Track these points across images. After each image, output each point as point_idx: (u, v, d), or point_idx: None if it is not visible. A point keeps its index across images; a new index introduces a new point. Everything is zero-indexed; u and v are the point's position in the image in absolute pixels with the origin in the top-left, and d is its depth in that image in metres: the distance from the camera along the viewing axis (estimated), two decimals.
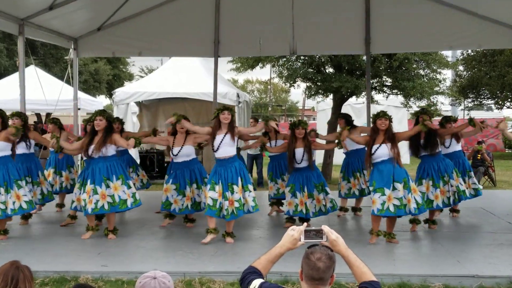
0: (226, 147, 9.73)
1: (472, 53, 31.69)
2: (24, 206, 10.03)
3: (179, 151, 10.65)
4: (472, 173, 11.77)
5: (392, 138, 9.61)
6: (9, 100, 17.40)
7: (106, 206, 9.85)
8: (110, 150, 10.02)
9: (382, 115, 9.79)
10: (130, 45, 14.69)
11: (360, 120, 19.76)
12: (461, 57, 32.19)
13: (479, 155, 18.49)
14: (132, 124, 19.17)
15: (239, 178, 9.66)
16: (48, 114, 27.05)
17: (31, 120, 22.76)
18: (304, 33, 13.52)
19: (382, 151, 9.52)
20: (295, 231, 3.78)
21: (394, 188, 9.38)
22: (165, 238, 10.34)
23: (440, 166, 10.59)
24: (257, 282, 3.68)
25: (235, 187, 9.57)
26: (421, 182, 10.70)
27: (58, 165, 12.16)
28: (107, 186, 9.85)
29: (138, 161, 18.29)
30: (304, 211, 10.60)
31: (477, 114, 43.94)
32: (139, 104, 20.93)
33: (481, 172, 18.24)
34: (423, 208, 9.81)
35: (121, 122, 12.35)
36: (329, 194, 10.90)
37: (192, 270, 7.95)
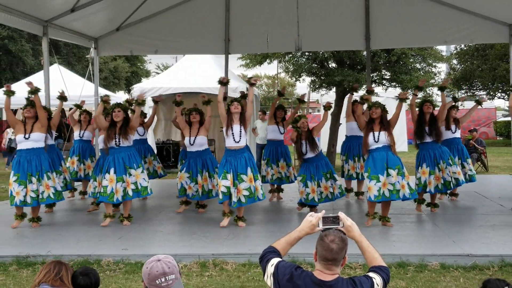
0: (238, 137, 9.70)
1: (465, 48, 31.59)
2: (52, 196, 10.00)
3: (194, 140, 10.64)
4: (469, 160, 11.69)
5: (387, 126, 9.55)
6: None
7: (130, 193, 9.86)
8: (131, 139, 10.05)
9: (372, 105, 9.74)
10: (147, 44, 14.69)
11: None
12: (454, 51, 32.14)
13: (471, 143, 18.44)
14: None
15: (249, 168, 9.62)
16: (71, 109, 27.18)
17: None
18: (309, 30, 13.49)
19: (378, 139, 9.46)
20: (314, 217, 3.77)
21: (388, 174, 9.30)
22: (181, 223, 10.34)
23: (436, 154, 10.50)
24: (275, 260, 3.69)
25: (244, 176, 9.51)
26: (419, 169, 10.66)
27: (82, 153, 12.15)
28: (130, 174, 9.86)
29: (155, 152, 18.39)
30: (316, 198, 10.57)
31: (470, 105, 43.85)
32: None
33: (474, 158, 18.18)
34: (415, 194, 9.74)
35: (144, 115, 12.39)
36: (337, 181, 10.86)
37: (206, 252, 7.97)
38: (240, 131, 9.68)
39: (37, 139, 9.93)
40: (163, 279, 3.49)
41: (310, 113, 51.03)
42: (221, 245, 8.42)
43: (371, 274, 3.64)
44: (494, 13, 12.96)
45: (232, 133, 9.67)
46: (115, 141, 9.87)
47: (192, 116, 10.72)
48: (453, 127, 11.38)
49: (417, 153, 10.89)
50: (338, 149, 17.70)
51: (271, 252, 3.80)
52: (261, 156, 16.45)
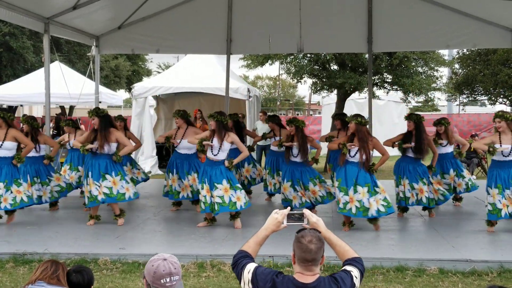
0: (216, 151, 9.65)
1: (467, 52, 31.52)
2: (25, 199, 10.01)
3: (179, 143, 10.75)
4: (465, 171, 11.68)
5: (365, 142, 9.36)
6: (35, 93, 17.49)
7: (103, 197, 9.79)
8: (113, 148, 9.99)
9: (350, 118, 9.65)
10: (149, 42, 14.67)
11: (362, 114, 19.71)
12: (457, 55, 32.06)
13: (471, 149, 18.42)
14: (149, 117, 19.19)
15: (224, 179, 9.56)
16: (71, 107, 27.17)
17: (54, 112, 22.84)
18: (311, 32, 13.48)
19: (354, 155, 9.37)
20: (279, 215, 3.81)
21: (356, 191, 9.22)
22: (179, 223, 10.33)
23: (418, 169, 10.48)
24: (251, 266, 3.65)
25: (219, 185, 9.50)
26: (400, 182, 10.65)
27: (73, 161, 12.13)
28: (104, 179, 9.79)
29: (155, 151, 18.39)
30: (308, 201, 10.57)
31: (472, 110, 43.89)
32: (156, 98, 20.97)
33: (474, 163, 18.18)
34: (392, 209, 9.50)
35: (122, 120, 12.28)
36: (327, 184, 10.87)
37: (204, 253, 7.98)
38: (220, 146, 9.64)
39: (9, 148, 9.94)
40: (168, 279, 3.50)
41: (311, 115, 51.06)
42: (219, 246, 8.42)
43: (348, 268, 3.66)
44: (497, 18, 12.95)
45: (211, 147, 9.67)
46: (97, 149, 9.87)
47: (175, 120, 10.85)
48: (444, 142, 11.32)
49: (395, 163, 10.90)
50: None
51: (243, 257, 3.77)
52: (261, 157, 16.48)
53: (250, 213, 10.75)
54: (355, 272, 3.63)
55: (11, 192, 9.78)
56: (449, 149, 11.45)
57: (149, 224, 10.22)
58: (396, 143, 10.65)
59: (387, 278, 7.17)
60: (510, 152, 9.12)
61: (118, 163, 10.09)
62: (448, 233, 9.29)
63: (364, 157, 9.34)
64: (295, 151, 10.52)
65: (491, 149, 9.22)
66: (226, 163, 9.69)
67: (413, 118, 10.55)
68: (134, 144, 11.59)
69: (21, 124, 10.63)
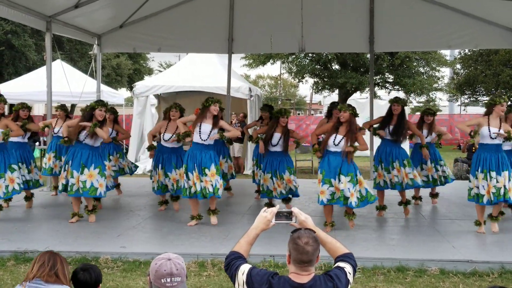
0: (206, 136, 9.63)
1: (469, 53, 31.57)
2: (17, 187, 10.07)
3: (170, 137, 10.66)
4: (442, 162, 11.67)
5: (353, 133, 9.23)
6: (37, 91, 17.47)
7: (77, 190, 9.78)
8: (98, 141, 10.02)
9: (341, 108, 9.48)
10: (150, 41, 14.70)
11: (363, 114, 19.69)
12: (458, 56, 32.10)
13: (474, 148, 18.40)
14: (151, 115, 19.18)
15: (213, 164, 9.56)
16: (73, 105, 27.15)
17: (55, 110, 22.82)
18: (312, 32, 13.49)
19: (338, 143, 9.19)
20: (268, 213, 3.81)
21: (339, 180, 9.09)
22: (180, 222, 10.30)
23: (393, 152, 10.46)
24: (245, 267, 3.63)
25: (207, 170, 9.48)
26: (377, 168, 10.68)
27: (58, 150, 12.13)
28: (82, 173, 9.77)
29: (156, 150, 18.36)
30: (278, 193, 10.59)
31: (473, 110, 43.84)
32: (157, 96, 20.93)
33: None
34: (366, 201, 9.32)
35: (113, 112, 12.24)
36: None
37: (204, 252, 7.97)
38: (211, 131, 9.65)
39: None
40: (168, 279, 3.49)
41: (312, 114, 51.04)
42: (220, 245, 8.40)
43: (341, 264, 3.68)
44: (499, 18, 12.96)
45: (200, 131, 9.63)
46: (85, 137, 9.85)
47: (172, 113, 10.75)
48: (425, 131, 11.31)
49: (377, 148, 10.88)
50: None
51: (236, 258, 3.74)
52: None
53: (252, 212, 10.75)
54: (348, 268, 3.65)
55: (5, 180, 9.84)
56: (429, 139, 11.43)
57: (150, 223, 10.22)
58: (373, 126, 10.66)
59: (388, 278, 7.16)
60: (497, 136, 9.04)
61: (100, 156, 10.12)
62: (449, 234, 9.29)
63: (343, 145, 9.20)
64: (275, 140, 10.50)
65: (472, 133, 9.21)
66: (217, 135, 9.69)
67: (402, 102, 10.58)
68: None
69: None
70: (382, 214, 10.77)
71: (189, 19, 14.08)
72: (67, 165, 9.90)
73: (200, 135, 9.58)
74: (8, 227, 9.64)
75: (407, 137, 10.82)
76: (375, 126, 10.73)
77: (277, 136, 10.52)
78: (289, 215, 3.81)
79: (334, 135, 9.23)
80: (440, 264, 7.50)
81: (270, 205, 10.53)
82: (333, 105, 11.89)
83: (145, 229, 9.68)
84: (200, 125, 9.62)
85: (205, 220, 10.16)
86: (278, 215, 3.81)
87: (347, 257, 3.74)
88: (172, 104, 11.05)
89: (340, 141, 9.16)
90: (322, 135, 10.14)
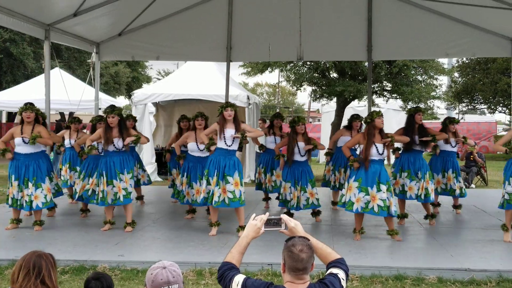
0: (230, 141, 9.63)
1: (466, 61, 31.68)
2: (51, 197, 10.22)
3: (198, 146, 10.62)
4: (460, 178, 11.70)
5: (386, 137, 9.43)
6: (35, 100, 17.23)
7: (121, 199, 9.88)
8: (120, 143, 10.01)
9: (377, 114, 9.49)
10: (149, 49, 14.68)
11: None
12: (456, 64, 32.21)
13: (472, 157, 18.43)
14: (149, 123, 19.19)
15: (236, 171, 9.55)
16: (71, 113, 27.17)
17: (53, 118, 22.82)
18: (311, 40, 13.48)
19: (382, 151, 9.34)
20: (258, 221, 3.87)
21: (379, 189, 9.14)
22: (178, 230, 10.30)
23: (416, 163, 10.50)
24: (239, 278, 3.63)
25: (230, 178, 9.46)
26: (396, 176, 10.73)
27: (72, 161, 12.13)
28: (121, 180, 9.87)
29: (154, 158, 18.43)
30: (295, 204, 10.57)
31: (471, 118, 43.88)
32: (156, 104, 20.96)
33: (474, 172, 18.22)
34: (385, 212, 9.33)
35: (134, 119, 12.37)
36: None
37: (202, 261, 7.96)
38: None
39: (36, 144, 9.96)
40: None
41: (311, 122, 51.06)
42: (218, 253, 8.38)
43: (334, 271, 3.69)
44: (496, 27, 12.98)
45: (224, 137, 9.63)
46: (114, 145, 9.86)
47: (198, 122, 10.72)
48: (452, 141, 11.37)
49: (397, 160, 10.89)
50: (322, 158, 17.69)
51: (229, 269, 3.74)
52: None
53: (248, 220, 10.73)
54: (341, 274, 3.66)
55: (42, 190, 9.93)
56: (455, 149, 11.54)
57: (148, 231, 10.20)
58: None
59: (385, 287, 7.16)
60: None
61: (131, 161, 10.24)
62: (447, 242, 9.28)
63: (386, 153, 9.48)
64: (302, 151, 10.55)
65: (508, 150, 9.27)
66: (237, 134, 9.64)
67: (423, 111, 10.79)
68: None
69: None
70: (403, 223, 10.85)
71: (188, 27, 14.08)
72: (102, 177, 9.87)
73: (225, 141, 9.59)
74: (5, 235, 9.65)
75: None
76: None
77: (302, 145, 10.56)
78: (278, 222, 3.87)
79: (374, 145, 9.28)
80: (438, 273, 7.50)
81: (289, 214, 10.51)
82: (353, 118, 12.03)
83: (144, 238, 9.65)
84: (224, 131, 9.64)
85: (204, 229, 10.17)
86: (268, 222, 3.89)
87: (339, 263, 3.76)
88: (197, 113, 10.99)
89: (383, 149, 9.33)
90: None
